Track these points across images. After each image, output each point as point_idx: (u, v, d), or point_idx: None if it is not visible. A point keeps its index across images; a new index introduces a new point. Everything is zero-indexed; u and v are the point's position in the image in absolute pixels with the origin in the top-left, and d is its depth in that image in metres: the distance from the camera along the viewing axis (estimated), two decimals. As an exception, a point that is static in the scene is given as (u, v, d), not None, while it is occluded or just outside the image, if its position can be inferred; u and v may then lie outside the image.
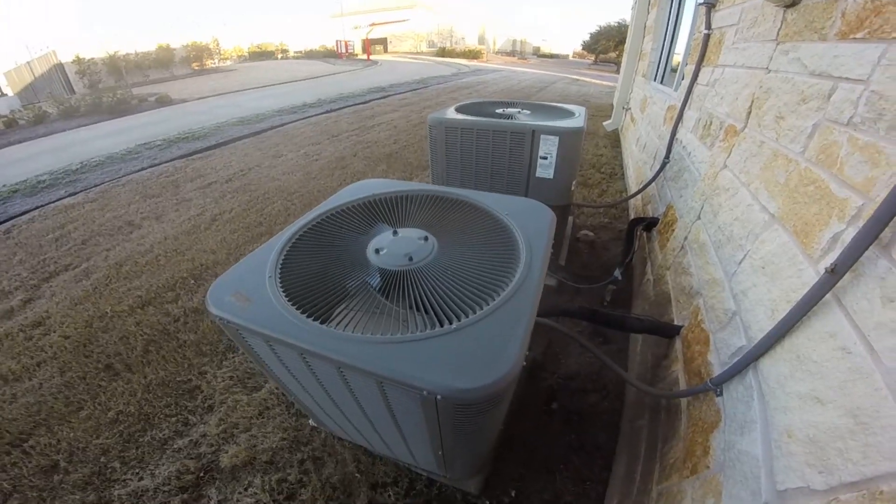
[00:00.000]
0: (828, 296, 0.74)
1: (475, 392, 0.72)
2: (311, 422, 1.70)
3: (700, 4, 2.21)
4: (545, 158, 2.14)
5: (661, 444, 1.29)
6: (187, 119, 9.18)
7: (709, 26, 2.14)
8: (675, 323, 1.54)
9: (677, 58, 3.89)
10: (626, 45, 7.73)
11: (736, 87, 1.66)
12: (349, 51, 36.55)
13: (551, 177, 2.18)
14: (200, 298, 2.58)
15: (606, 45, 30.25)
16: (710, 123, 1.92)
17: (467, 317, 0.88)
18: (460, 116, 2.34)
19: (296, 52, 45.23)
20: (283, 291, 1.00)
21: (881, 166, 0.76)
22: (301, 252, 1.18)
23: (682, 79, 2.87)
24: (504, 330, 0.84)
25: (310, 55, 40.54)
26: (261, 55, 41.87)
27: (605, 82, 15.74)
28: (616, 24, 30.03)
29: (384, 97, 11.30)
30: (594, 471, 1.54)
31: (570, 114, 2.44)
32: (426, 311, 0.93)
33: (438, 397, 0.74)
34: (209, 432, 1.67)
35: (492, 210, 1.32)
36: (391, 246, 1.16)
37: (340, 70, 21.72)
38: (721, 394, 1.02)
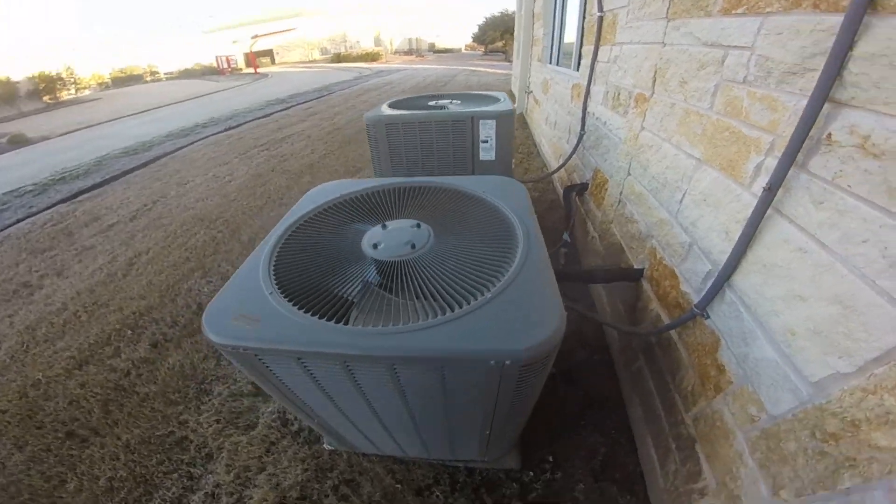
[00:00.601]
0: (770, 210, 0.95)
1: (538, 348, 0.77)
2: (326, 445, 1.64)
3: None
4: (486, 142, 2.28)
5: (671, 377, 1.44)
6: (57, 157, 7.84)
7: (601, 9, 2.43)
8: (636, 267, 1.77)
9: (571, 39, 4.30)
10: (515, 34, 8.25)
11: (637, 61, 1.93)
12: (232, 66, 34.10)
13: (493, 158, 2.33)
14: (146, 347, 2.31)
15: (493, 35, 31.76)
16: (619, 95, 2.20)
17: (490, 290, 0.91)
18: (398, 112, 2.38)
19: (167, 74, 40.80)
20: (293, 304, 0.94)
21: (779, 111, 0.99)
22: (291, 263, 1.14)
23: (581, 59, 3.20)
24: (536, 289, 0.92)
25: (187, 74, 36.93)
26: (126, 80, 37.02)
27: (497, 71, 16.63)
28: (500, 14, 31.61)
29: (287, 108, 10.73)
30: (614, 419, 1.69)
31: (496, 99, 2.61)
32: (440, 298, 0.93)
33: (507, 362, 0.77)
34: (222, 481, 1.54)
35: (472, 191, 1.40)
36: (387, 238, 1.15)
37: (227, 86, 20.08)
38: (708, 316, 1.20)
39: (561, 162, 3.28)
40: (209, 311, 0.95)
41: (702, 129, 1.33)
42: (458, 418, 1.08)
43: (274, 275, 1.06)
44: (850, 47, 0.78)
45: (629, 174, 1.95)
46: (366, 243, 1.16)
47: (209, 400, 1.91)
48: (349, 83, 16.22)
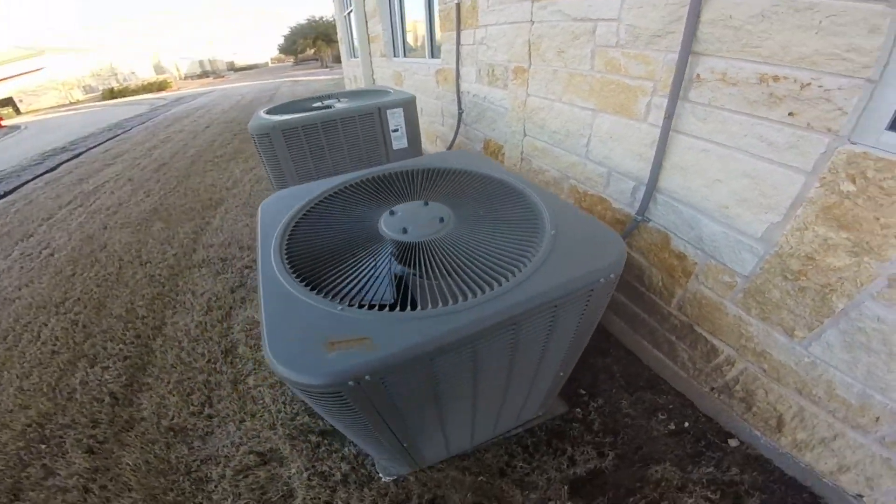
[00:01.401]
0: (671, 132, 1.33)
1: (622, 257, 0.95)
2: (384, 477, 1.50)
3: None
4: (396, 130, 2.36)
5: (639, 283, 1.73)
6: None
7: None
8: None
9: (418, 31, 4.52)
10: (340, 36, 8.12)
11: (507, 39, 2.24)
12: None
13: (406, 145, 2.42)
14: (81, 455, 1.77)
15: (304, 43, 30.09)
16: (493, 71, 2.52)
17: (541, 246, 0.98)
18: (292, 116, 2.24)
19: None
20: (359, 307, 0.86)
21: (652, 64, 1.37)
22: (312, 266, 1.03)
23: (438, 46, 3.46)
24: (585, 226, 1.06)
25: None
26: None
27: (320, 77, 16.05)
28: (307, 22, 30.09)
29: (76, 155, 8.49)
30: (604, 341, 1.95)
31: (387, 92, 2.67)
32: (490, 268, 0.96)
33: (612, 276, 0.92)
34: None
35: (451, 166, 1.47)
36: (404, 222, 1.11)
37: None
38: (650, 220, 1.56)
39: (449, 142, 3.52)
40: (288, 360, 0.76)
41: (589, 86, 1.70)
42: (547, 364, 1.13)
43: (325, 288, 0.93)
44: (699, 15, 1.16)
45: (525, 135, 2.30)
46: (386, 230, 1.11)
47: (215, 486, 1.62)
48: (146, 116, 13.58)
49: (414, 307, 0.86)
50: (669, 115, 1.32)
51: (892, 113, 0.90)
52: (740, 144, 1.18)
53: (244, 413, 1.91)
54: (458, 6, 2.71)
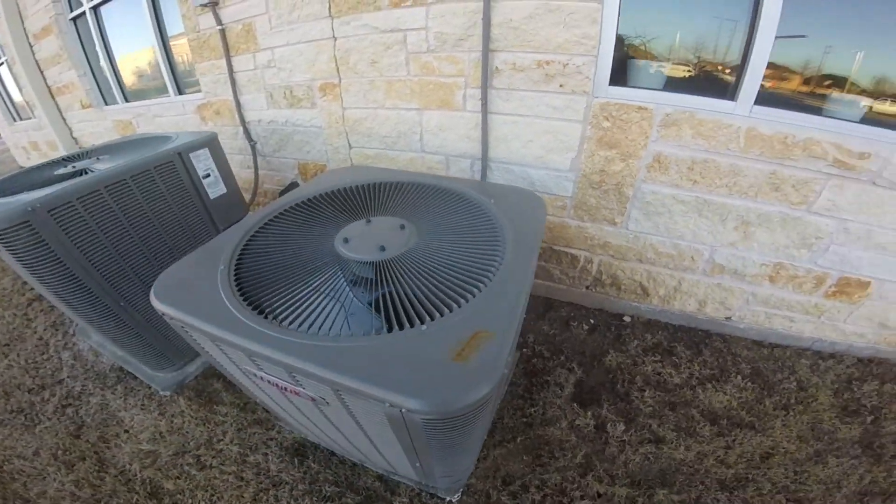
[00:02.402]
0: (489, 115, 1.79)
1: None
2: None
3: (202, 6, 2.47)
4: (208, 176, 2.01)
5: None
6: None
7: (220, 22, 2.50)
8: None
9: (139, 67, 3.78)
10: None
11: (306, 58, 2.29)
12: None
13: (225, 190, 2.10)
14: None
15: None
16: (293, 92, 2.51)
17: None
18: (50, 190, 1.43)
19: None
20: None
21: (460, 63, 1.80)
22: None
23: (183, 80, 3.06)
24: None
25: None
26: None
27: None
28: None
29: None
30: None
31: (165, 137, 2.14)
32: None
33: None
34: None
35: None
36: (361, 237, 1.06)
37: None
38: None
39: (252, 179, 3.15)
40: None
41: (409, 90, 2.01)
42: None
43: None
44: (490, 21, 1.63)
45: (352, 147, 2.43)
46: (339, 239, 1.07)
47: None
48: None
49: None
50: (484, 102, 1.77)
51: (608, 75, 1.58)
52: (537, 112, 1.73)
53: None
54: (223, 32, 2.54)
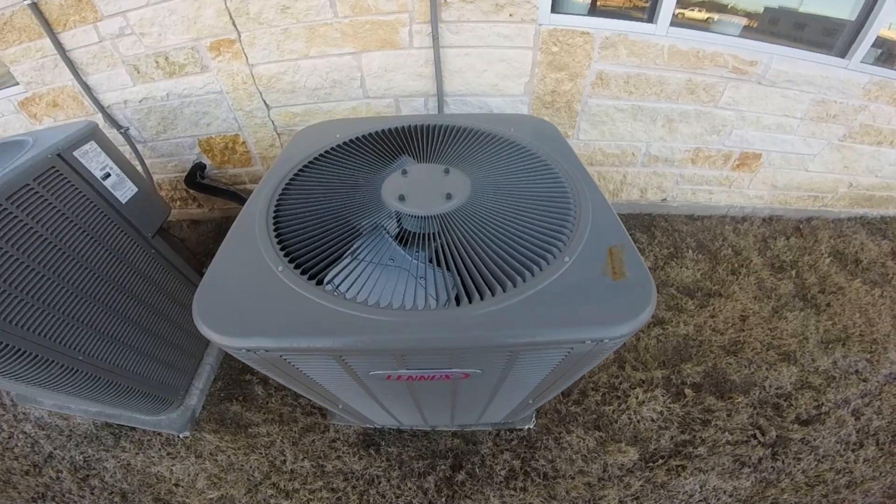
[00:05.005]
0: (440, 49, 1.76)
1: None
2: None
3: None
4: (109, 175, 1.61)
5: None
6: None
7: None
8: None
9: None
10: None
11: (181, 15, 1.87)
12: None
13: (137, 189, 1.71)
14: None
15: None
16: (168, 59, 2.07)
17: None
18: None
19: None
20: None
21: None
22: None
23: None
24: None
25: None
26: None
27: None
28: None
29: None
30: None
31: (19, 142, 1.61)
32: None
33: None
34: None
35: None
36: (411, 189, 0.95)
37: None
38: None
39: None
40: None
41: (340, 33, 1.84)
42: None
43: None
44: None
45: (270, 107, 2.15)
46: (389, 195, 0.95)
47: None
48: None
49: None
50: (435, 37, 1.74)
51: (550, 3, 1.69)
52: (489, 42, 1.77)
53: None
54: (36, 6, 1.89)
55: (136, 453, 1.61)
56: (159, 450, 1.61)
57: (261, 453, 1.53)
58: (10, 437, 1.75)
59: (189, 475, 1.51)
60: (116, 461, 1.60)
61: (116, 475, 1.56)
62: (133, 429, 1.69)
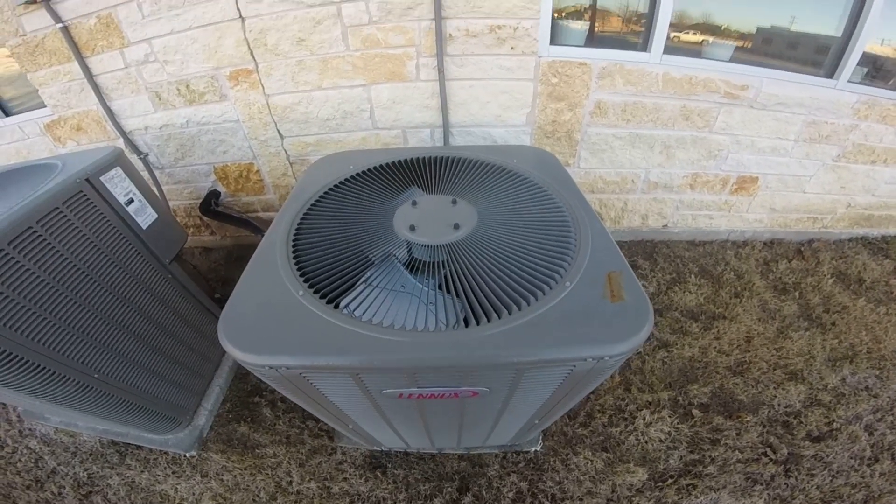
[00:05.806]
0: (446, 82, 1.87)
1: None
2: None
3: (25, 4, 1.93)
4: (132, 201, 1.70)
5: None
6: None
7: (59, 19, 2.00)
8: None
9: None
10: None
11: (204, 44, 2.02)
12: None
13: (157, 215, 1.80)
14: None
15: None
16: (189, 87, 2.19)
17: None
18: None
19: None
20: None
21: (409, 32, 1.83)
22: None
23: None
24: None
25: None
26: None
27: None
28: None
29: None
30: None
31: (49, 166, 1.72)
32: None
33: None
34: None
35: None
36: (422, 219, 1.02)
37: None
38: None
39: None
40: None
41: (351, 66, 1.96)
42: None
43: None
44: (439, -11, 1.69)
45: (283, 137, 2.26)
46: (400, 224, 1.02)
47: None
48: None
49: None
50: (441, 70, 1.85)
51: (549, 36, 1.80)
52: (491, 75, 1.88)
53: None
54: (66, 30, 2.04)
55: (142, 471, 1.64)
56: (165, 468, 1.63)
57: (267, 474, 1.56)
58: (13, 452, 1.78)
59: (194, 494, 1.54)
60: (121, 478, 1.62)
61: (120, 492, 1.59)
62: (139, 447, 1.71)
